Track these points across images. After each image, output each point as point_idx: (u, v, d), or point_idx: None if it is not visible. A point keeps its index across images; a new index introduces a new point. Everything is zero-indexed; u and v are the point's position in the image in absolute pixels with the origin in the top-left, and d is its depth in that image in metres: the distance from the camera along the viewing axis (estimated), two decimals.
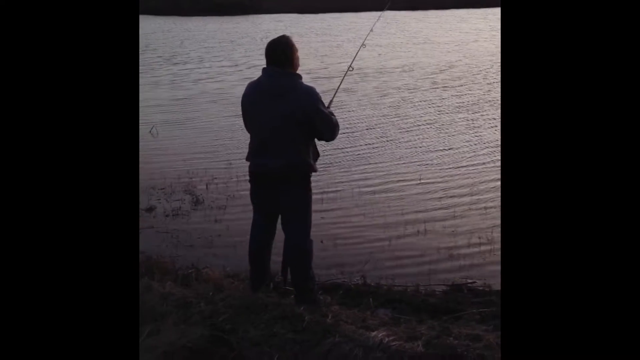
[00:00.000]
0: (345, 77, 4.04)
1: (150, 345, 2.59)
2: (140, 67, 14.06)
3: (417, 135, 7.97)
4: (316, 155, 3.24)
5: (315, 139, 3.23)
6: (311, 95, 3.09)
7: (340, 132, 3.27)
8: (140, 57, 15.96)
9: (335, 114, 3.21)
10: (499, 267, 3.43)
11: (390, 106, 9.70)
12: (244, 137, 3.39)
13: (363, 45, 4.08)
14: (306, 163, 3.14)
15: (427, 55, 15.46)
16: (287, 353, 2.57)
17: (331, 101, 3.49)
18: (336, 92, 3.71)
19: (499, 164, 5.87)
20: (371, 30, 4.27)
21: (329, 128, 3.16)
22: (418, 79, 12.26)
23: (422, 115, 9.09)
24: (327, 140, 3.30)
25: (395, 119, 8.85)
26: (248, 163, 3.27)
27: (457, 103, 9.87)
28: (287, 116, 3.05)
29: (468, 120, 8.73)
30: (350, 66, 3.93)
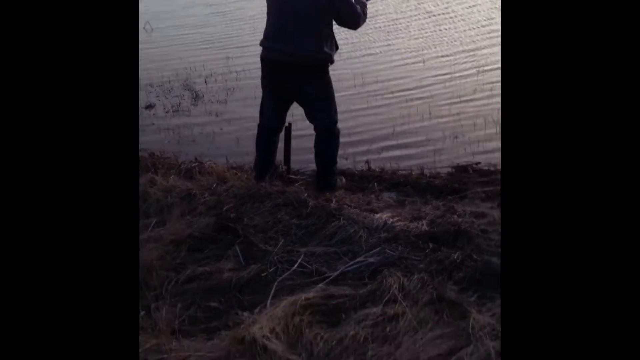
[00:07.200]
0: None
1: (158, 235, 2.62)
2: None
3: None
4: (335, 47, 3.17)
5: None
6: None
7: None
8: None
9: (367, 5, 3.14)
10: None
11: None
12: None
13: None
14: (325, 52, 3.08)
15: None
16: (293, 237, 2.60)
17: None
18: None
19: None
20: None
21: (352, 18, 3.09)
22: None
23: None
24: (350, 28, 3.26)
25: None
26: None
27: None
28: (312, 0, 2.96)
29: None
30: None
